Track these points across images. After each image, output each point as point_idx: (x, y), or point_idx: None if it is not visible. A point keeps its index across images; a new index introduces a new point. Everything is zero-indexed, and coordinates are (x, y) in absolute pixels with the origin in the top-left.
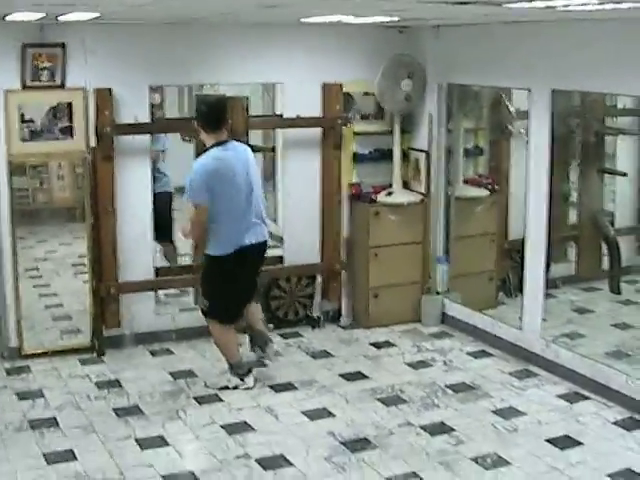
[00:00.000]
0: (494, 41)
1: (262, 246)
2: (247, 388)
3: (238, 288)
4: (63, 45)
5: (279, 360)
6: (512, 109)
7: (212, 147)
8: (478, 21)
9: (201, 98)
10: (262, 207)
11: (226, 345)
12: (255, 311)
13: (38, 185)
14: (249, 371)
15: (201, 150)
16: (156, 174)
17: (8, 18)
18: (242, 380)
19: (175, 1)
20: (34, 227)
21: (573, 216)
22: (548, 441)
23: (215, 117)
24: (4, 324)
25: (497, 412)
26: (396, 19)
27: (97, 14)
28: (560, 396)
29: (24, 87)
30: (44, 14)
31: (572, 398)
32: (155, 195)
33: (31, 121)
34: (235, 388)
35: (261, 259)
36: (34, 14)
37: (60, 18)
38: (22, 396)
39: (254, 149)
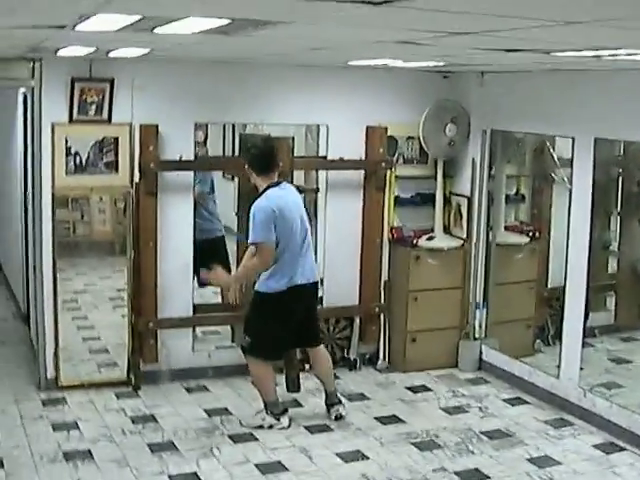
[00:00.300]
0: (538, 88)
1: (314, 286)
2: (282, 428)
3: (286, 327)
4: (111, 80)
5: (315, 401)
6: (555, 156)
7: (268, 188)
8: (523, 68)
9: (250, 139)
10: (311, 247)
11: (263, 383)
12: (323, 361)
13: (79, 218)
14: (285, 411)
15: (244, 189)
16: (209, 217)
17: (60, 53)
18: (277, 420)
19: (226, 43)
20: (74, 259)
21: (613, 265)
22: None
23: (267, 160)
24: (42, 355)
25: (532, 460)
26: (442, 64)
27: (147, 50)
28: (596, 446)
29: (71, 120)
30: (94, 49)
31: (608, 448)
32: (209, 240)
33: (77, 154)
34: (270, 428)
35: (314, 299)
36: (85, 49)
37: (110, 54)
38: (57, 427)
39: (298, 190)
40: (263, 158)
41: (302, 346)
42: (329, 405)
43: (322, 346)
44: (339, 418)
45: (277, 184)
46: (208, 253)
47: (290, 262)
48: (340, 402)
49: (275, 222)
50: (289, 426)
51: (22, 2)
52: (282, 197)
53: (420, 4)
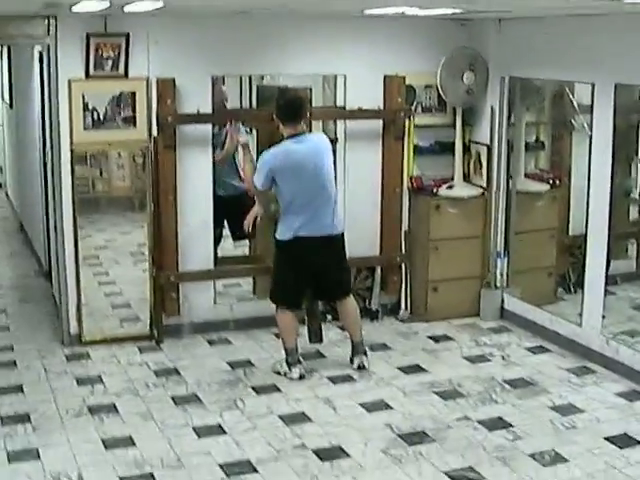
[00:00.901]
0: (557, 34)
1: (327, 239)
2: (291, 379)
3: (296, 276)
4: (127, 35)
5: (337, 352)
6: (575, 103)
7: (286, 139)
8: (541, 14)
9: (269, 91)
10: (333, 200)
11: (283, 330)
12: (350, 313)
13: (98, 174)
14: (298, 362)
15: (263, 140)
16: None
17: (74, 8)
18: (289, 369)
19: None
20: (93, 216)
21: (634, 212)
22: (606, 439)
23: (294, 111)
24: (65, 311)
25: (555, 408)
26: (459, 11)
27: (161, 4)
28: (619, 394)
29: (87, 76)
30: (109, 4)
31: (631, 396)
32: (237, 196)
33: (94, 110)
34: (285, 375)
35: (334, 251)
36: (100, 3)
37: (125, 8)
38: (81, 382)
39: (331, 141)
40: (288, 108)
41: (326, 298)
42: (353, 354)
43: (350, 298)
44: (362, 368)
45: (296, 136)
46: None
47: (296, 213)
48: (365, 353)
49: (274, 174)
50: (300, 378)
51: None
52: (293, 150)
53: None
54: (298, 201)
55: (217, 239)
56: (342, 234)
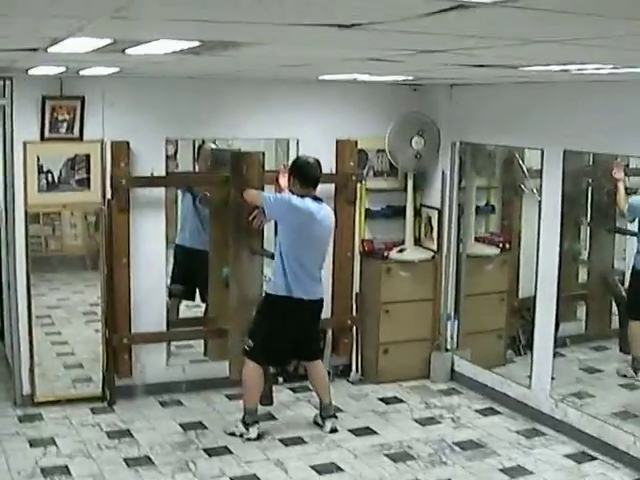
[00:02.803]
0: (507, 101)
1: (316, 303)
2: (249, 439)
3: (283, 335)
4: (82, 98)
5: (288, 414)
6: (525, 168)
7: (302, 196)
8: (492, 81)
9: (222, 154)
10: (321, 268)
11: (248, 387)
12: (320, 376)
13: (51, 233)
14: (255, 422)
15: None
16: (202, 229)
17: (30, 72)
18: (246, 429)
19: (195, 61)
20: (46, 274)
21: (583, 275)
22: None
23: (315, 179)
24: (17, 371)
25: (505, 471)
26: (410, 78)
27: (117, 69)
28: (568, 456)
29: (43, 139)
30: (65, 68)
31: (580, 458)
32: (197, 251)
33: (49, 172)
34: (241, 436)
35: (315, 316)
36: (56, 68)
37: (81, 72)
38: (34, 443)
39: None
40: (311, 173)
41: (300, 359)
42: (324, 417)
43: (319, 361)
44: (334, 431)
45: (314, 198)
46: (191, 263)
47: (291, 271)
48: (335, 415)
49: (285, 217)
50: (257, 438)
51: None
52: (313, 210)
53: (387, 27)
54: (296, 256)
55: (182, 296)
56: (323, 299)
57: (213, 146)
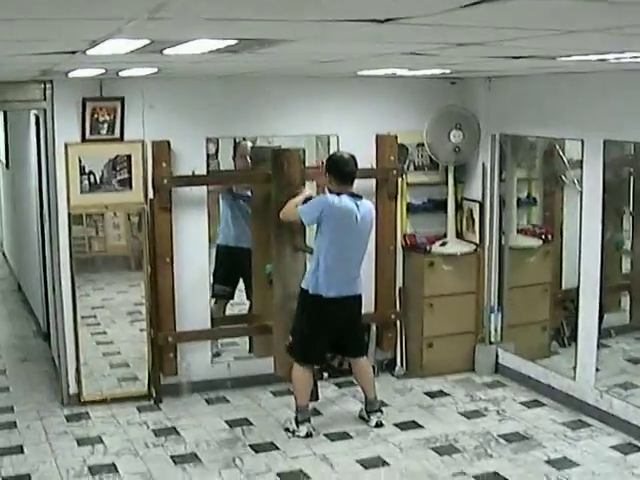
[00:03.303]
0: (546, 92)
1: (350, 299)
2: (298, 436)
3: (318, 332)
4: (122, 99)
5: (333, 409)
6: (565, 159)
7: (339, 194)
8: (530, 72)
9: (263, 152)
10: (360, 265)
11: (297, 386)
12: (364, 372)
13: (94, 234)
14: (307, 420)
15: (258, 205)
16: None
17: (70, 74)
18: (297, 427)
19: (233, 60)
20: (90, 275)
21: (627, 265)
22: None
23: (352, 174)
24: (64, 371)
25: (550, 462)
26: (448, 71)
27: (156, 69)
28: (614, 447)
29: (84, 140)
30: (104, 70)
31: (626, 449)
32: (242, 250)
33: (91, 173)
34: (292, 432)
35: (354, 311)
36: (95, 70)
37: (120, 73)
38: (82, 442)
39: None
40: (347, 170)
41: (344, 355)
42: (369, 412)
43: (364, 357)
44: (380, 425)
45: (351, 195)
46: (236, 262)
47: (328, 267)
48: (381, 410)
49: (322, 218)
50: (306, 436)
51: (37, 31)
52: (349, 207)
53: (420, 20)
54: (333, 254)
55: (228, 297)
56: (361, 295)
57: (249, 143)
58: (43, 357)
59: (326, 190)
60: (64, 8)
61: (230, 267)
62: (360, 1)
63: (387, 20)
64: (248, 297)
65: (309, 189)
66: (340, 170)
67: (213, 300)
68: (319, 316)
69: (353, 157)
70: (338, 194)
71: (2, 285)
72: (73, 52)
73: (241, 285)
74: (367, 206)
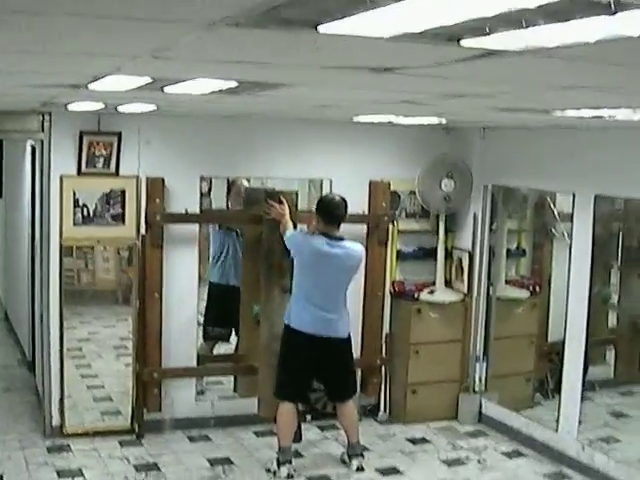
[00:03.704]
0: (540, 145)
1: (332, 341)
2: (279, 477)
3: (296, 367)
4: (119, 134)
5: (315, 452)
6: (556, 212)
7: (322, 234)
8: (524, 125)
9: (256, 193)
10: (342, 306)
11: (281, 427)
12: (349, 415)
13: (83, 266)
14: (288, 462)
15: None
16: (234, 264)
17: (69, 107)
18: (278, 468)
19: (232, 101)
20: (78, 308)
21: (613, 319)
22: None
23: (338, 216)
24: (47, 402)
25: None
26: (443, 121)
27: (154, 107)
28: None
29: (79, 173)
30: (103, 105)
31: None
32: (235, 288)
33: (84, 206)
34: (274, 474)
35: (334, 355)
36: (94, 104)
37: (119, 108)
38: (62, 474)
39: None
40: (333, 212)
41: (330, 399)
42: (351, 456)
43: (350, 402)
44: (360, 469)
45: (332, 238)
46: (229, 301)
47: (307, 304)
48: (362, 454)
49: (297, 256)
50: (287, 477)
51: (41, 64)
52: (324, 252)
53: (416, 72)
54: (307, 291)
55: (225, 339)
56: (348, 338)
57: (245, 182)
58: (27, 387)
59: (315, 230)
60: (70, 43)
61: (226, 307)
62: (359, 51)
63: (386, 69)
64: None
65: (283, 208)
66: (329, 212)
67: (202, 340)
68: (297, 350)
69: (344, 200)
70: (324, 234)
71: None
72: (75, 86)
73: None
74: (350, 250)
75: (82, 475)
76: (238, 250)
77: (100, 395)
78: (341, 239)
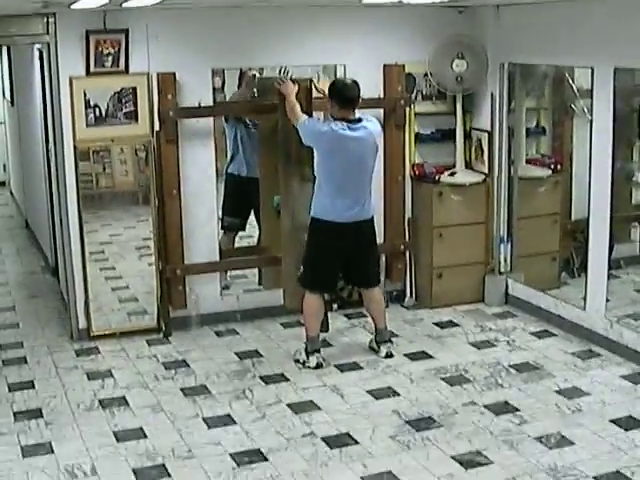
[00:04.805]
0: (555, 19)
1: (359, 224)
2: (308, 367)
3: (329, 258)
4: (126, 31)
5: (344, 341)
6: (575, 87)
7: (338, 119)
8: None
9: (268, 82)
10: (369, 188)
11: (308, 316)
12: (376, 301)
13: (101, 170)
14: (316, 351)
15: (265, 134)
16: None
17: (73, 6)
18: (307, 358)
19: None
20: (98, 211)
21: (637, 196)
22: (612, 421)
23: (351, 97)
24: (73, 306)
25: (561, 392)
26: None
27: None
28: (624, 377)
29: (88, 73)
30: (108, 0)
31: (636, 379)
32: (253, 179)
33: (96, 106)
34: (303, 364)
35: (363, 240)
36: (98, 1)
37: (123, 4)
38: (92, 376)
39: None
40: (346, 94)
41: (356, 285)
42: (379, 342)
43: (377, 288)
44: (389, 356)
45: (349, 121)
46: (246, 192)
47: (333, 194)
48: (390, 340)
49: (318, 146)
50: (316, 367)
51: None
52: (345, 136)
53: None
54: (336, 182)
55: (238, 229)
56: (372, 219)
57: (255, 73)
58: (52, 293)
59: (329, 116)
60: None
61: (240, 198)
62: None
63: None
64: (260, 228)
65: (290, 85)
66: (342, 94)
67: (222, 232)
68: (327, 242)
69: (356, 83)
70: (341, 119)
71: (10, 223)
72: None
73: (252, 218)
74: (368, 129)
75: (112, 376)
76: (247, 141)
77: (125, 296)
78: (359, 120)
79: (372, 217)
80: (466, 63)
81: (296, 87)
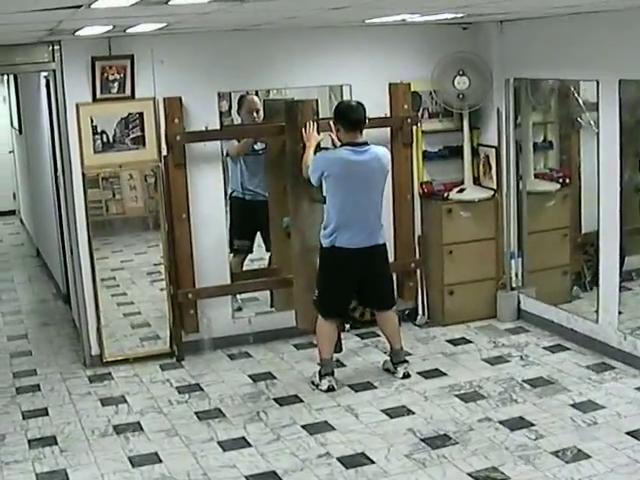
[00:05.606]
0: (559, 33)
1: (371, 250)
2: (321, 390)
3: (340, 284)
4: (131, 56)
5: (357, 360)
6: (581, 101)
7: (345, 145)
8: (542, 14)
9: (276, 104)
10: (379, 212)
11: (321, 340)
12: (390, 323)
13: (111, 196)
14: (330, 373)
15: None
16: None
17: (78, 33)
18: (320, 380)
19: (240, 10)
20: (108, 238)
21: None
22: (628, 434)
23: (357, 119)
24: (85, 333)
25: (575, 406)
26: (460, 15)
27: (164, 24)
28: (639, 388)
29: (95, 100)
30: (112, 27)
31: None
32: (259, 202)
33: (103, 132)
34: (317, 386)
35: (375, 264)
36: (102, 27)
37: (128, 31)
38: (106, 402)
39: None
40: (351, 116)
41: (371, 308)
42: (395, 363)
43: (390, 311)
44: (407, 376)
45: (355, 145)
46: (252, 215)
47: (343, 222)
48: (406, 360)
49: (326, 178)
50: (328, 390)
51: None
52: (351, 161)
53: None
54: (346, 210)
55: (247, 251)
56: (384, 245)
57: (256, 98)
58: (64, 320)
59: (336, 142)
60: None
61: (246, 221)
62: None
63: None
64: (268, 250)
65: (315, 135)
66: (348, 117)
67: (231, 255)
68: (339, 269)
69: (361, 104)
70: (348, 144)
71: (21, 251)
72: (77, 7)
73: (259, 239)
74: (374, 153)
75: (125, 401)
76: (250, 164)
77: (137, 321)
78: (365, 144)
79: (384, 244)
80: (468, 80)
81: (321, 137)
